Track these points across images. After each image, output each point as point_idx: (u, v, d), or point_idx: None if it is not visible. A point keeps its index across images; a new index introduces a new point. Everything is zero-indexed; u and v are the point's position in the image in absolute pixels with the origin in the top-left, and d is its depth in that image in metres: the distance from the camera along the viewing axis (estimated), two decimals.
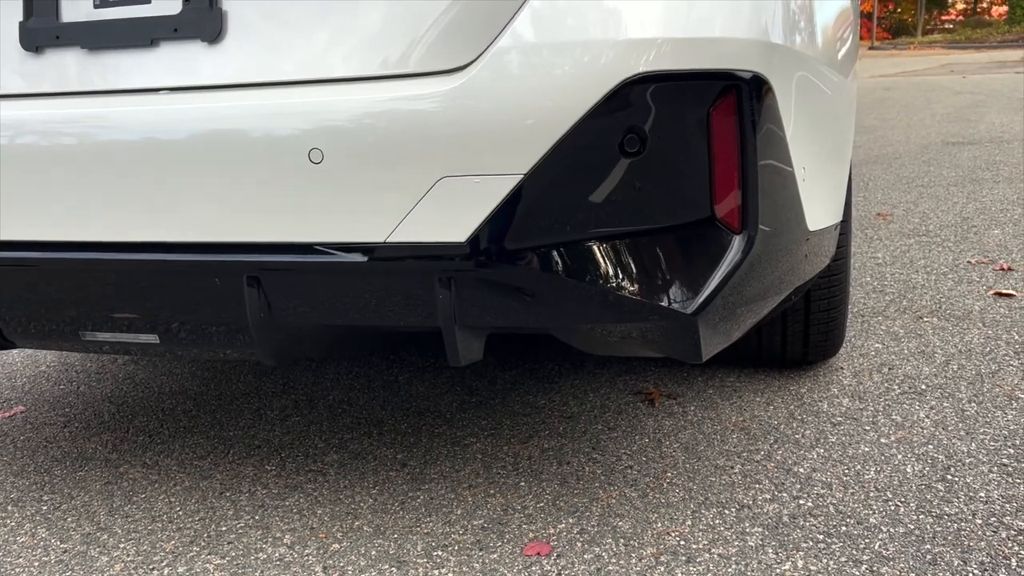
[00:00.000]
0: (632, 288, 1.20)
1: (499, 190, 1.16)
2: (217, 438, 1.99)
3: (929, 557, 1.38)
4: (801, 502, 1.57)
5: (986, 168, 5.00)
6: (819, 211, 1.47)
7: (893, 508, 1.53)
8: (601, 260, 1.20)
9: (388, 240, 1.21)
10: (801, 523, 1.50)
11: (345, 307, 1.30)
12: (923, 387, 2.04)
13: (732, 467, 1.71)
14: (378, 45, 1.22)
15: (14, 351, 2.67)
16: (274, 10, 1.28)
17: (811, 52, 1.39)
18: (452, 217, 1.18)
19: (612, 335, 1.30)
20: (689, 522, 1.53)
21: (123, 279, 1.35)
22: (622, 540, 1.48)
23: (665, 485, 1.66)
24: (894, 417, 1.89)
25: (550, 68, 1.14)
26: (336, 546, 1.52)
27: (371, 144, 1.18)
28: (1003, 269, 2.96)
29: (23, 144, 1.36)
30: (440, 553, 1.48)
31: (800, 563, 1.39)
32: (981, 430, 1.81)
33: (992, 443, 1.75)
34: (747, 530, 1.49)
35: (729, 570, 1.38)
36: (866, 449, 1.76)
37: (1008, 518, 1.48)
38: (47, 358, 2.61)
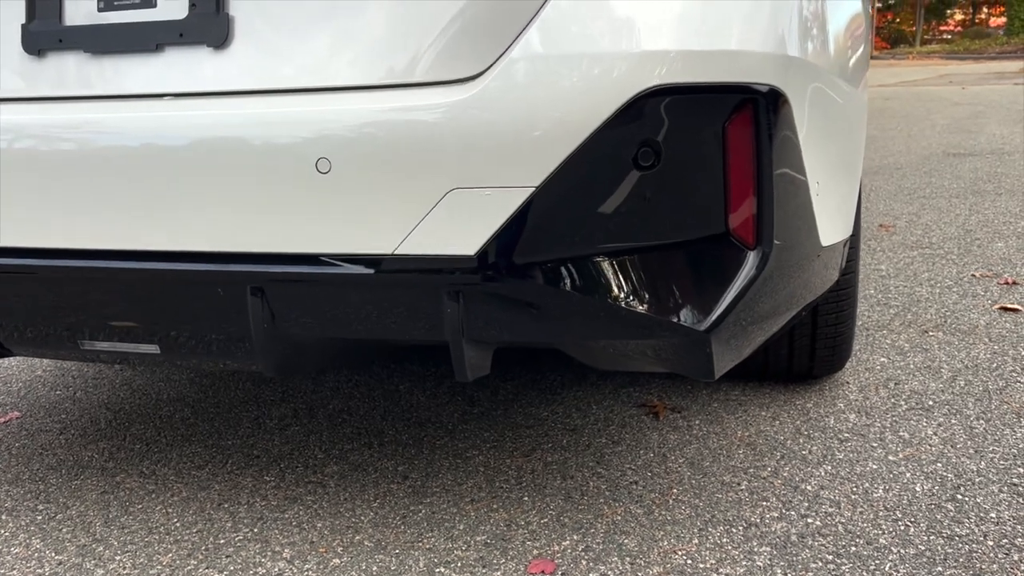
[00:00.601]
0: (644, 304, 1.17)
1: (510, 203, 1.14)
2: (215, 447, 1.96)
3: None
4: (809, 521, 1.55)
5: (988, 180, 4.99)
6: (831, 225, 1.45)
7: (903, 528, 1.51)
8: (613, 275, 1.17)
9: (396, 252, 1.18)
10: (810, 543, 1.48)
11: (351, 320, 1.27)
12: (930, 403, 2.02)
13: (739, 484, 1.69)
14: (388, 54, 1.20)
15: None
16: (282, 16, 1.25)
17: (826, 64, 1.37)
18: (461, 230, 1.16)
19: (622, 351, 1.28)
20: (696, 540, 1.50)
21: (124, 288, 1.33)
22: (628, 558, 1.46)
23: (671, 502, 1.63)
24: (901, 434, 1.87)
25: (563, 80, 1.11)
26: (336, 561, 1.49)
27: (380, 154, 1.16)
28: (1008, 283, 2.94)
29: (23, 148, 1.34)
30: (442, 570, 1.45)
31: None
32: (990, 448, 1.79)
33: (1002, 462, 1.73)
34: (755, 549, 1.47)
35: None
36: (874, 466, 1.73)
37: (1020, 540, 1.46)
38: (43, 363, 2.57)
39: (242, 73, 1.26)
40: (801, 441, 1.86)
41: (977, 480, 1.66)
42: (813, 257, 1.38)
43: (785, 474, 1.72)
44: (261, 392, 2.27)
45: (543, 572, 1.43)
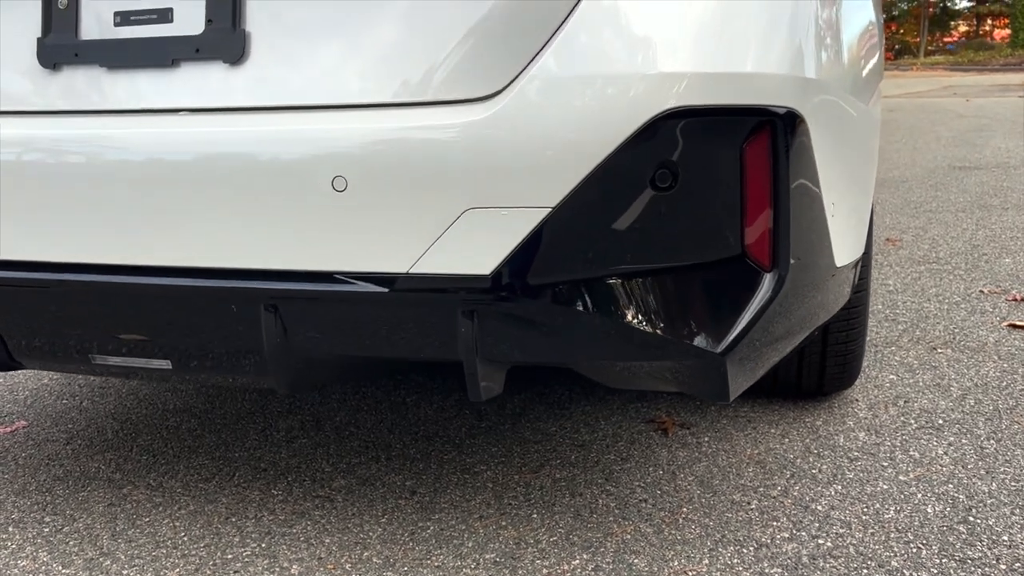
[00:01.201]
0: (660, 326, 1.17)
1: (526, 223, 1.13)
2: (222, 459, 1.95)
3: None
4: (820, 542, 1.54)
5: (994, 194, 4.99)
6: (845, 245, 1.45)
7: (915, 551, 1.50)
8: (629, 297, 1.17)
9: (411, 271, 1.18)
10: (821, 564, 1.47)
11: (364, 337, 1.27)
12: (940, 422, 2.01)
13: (749, 503, 1.68)
14: (405, 72, 1.20)
15: None
16: (298, 32, 1.25)
17: (842, 84, 1.36)
18: (477, 249, 1.16)
19: (635, 371, 1.27)
20: (706, 561, 1.49)
21: (137, 303, 1.32)
22: None
23: (681, 520, 1.62)
24: (912, 453, 1.86)
25: (581, 100, 1.11)
26: None
27: (397, 173, 1.15)
28: (1016, 300, 2.93)
29: (37, 162, 1.34)
30: None
31: None
32: (1001, 469, 1.78)
33: (1013, 483, 1.72)
34: (766, 571, 1.46)
35: None
36: (885, 487, 1.72)
37: None
38: (50, 372, 2.57)
39: (258, 89, 1.26)
40: (811, 460, 1.85)
41: (989, 502, 1.65)
42: (828, 278, 1.38)
43: (795, 493, 1.71)
44: (268, 404, 2.26)
45: None
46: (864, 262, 1.83)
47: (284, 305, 1.25)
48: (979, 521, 1.58)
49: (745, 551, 1.52)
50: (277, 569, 1.52)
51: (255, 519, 1.69)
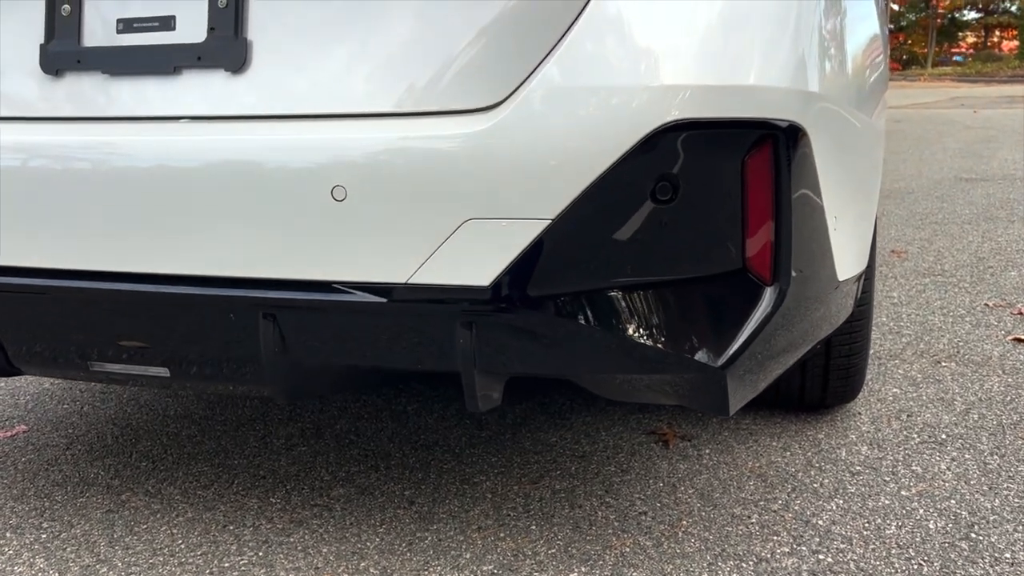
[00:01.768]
0: (660, 339, 1.16)
1: (526, 234, 1.13)
2: (221, 466, 1.95)
3: None
4: (821, 557, 1.53)
5: (1000, 206, 4.97)
6: (848, 259, 1.44)
7: (916, 567, 1.49)
8: (628, 309, 1.16)
9: (410, 281, 1.17)
10: None
11: (363, 347, 1.26)
12: (943, 436, 1.99)
13: (749, 517, 1.67)
14: (407, 81, 1.20)
15: None
16: (300, 41, 1.25)
17: (845, 96, 1.36)
18: (476, 260, 1.15)
19: (635, 384, 1.26)
20: (706, 575, 1.48)
21: (135, 310, 1.32)
22: None
23: (680, 534, 1.61)
24: (914, 468, 1.85)
25: (583, 112, 1.11)
26: None
27: (397, 183, 1.15)
28: (1021, 313, 2.92)
29: (38, 168, 1.34)
30: None
31: None
32: (1004, 485, 1.76)
33: (1016, 500, 1.70)
34: None
35: None
36: (886, 502, 1.71)
37: None
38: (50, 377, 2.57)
39: (259, 98, 1.26)
40: (812, 473, 1.84)
41: (991, 518, 1.64)
42: (830, 292, 1.37)
43: (796, 507, 1.70)
44: (268, 410, 2.26)
45: None
46: (868, 275, 1.82)
47: (282, 314, 1.24)
48: (981, 538, 1.57)
49: (745, 566, 1.50)
50: None
51: (253, 527, 1.68)
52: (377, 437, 2.07)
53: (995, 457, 1.89)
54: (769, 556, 1.53)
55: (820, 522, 1.64)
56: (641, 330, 1.17)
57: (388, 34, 1.21)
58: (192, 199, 1.25)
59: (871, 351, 2.56)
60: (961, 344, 2.63)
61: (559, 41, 1.13)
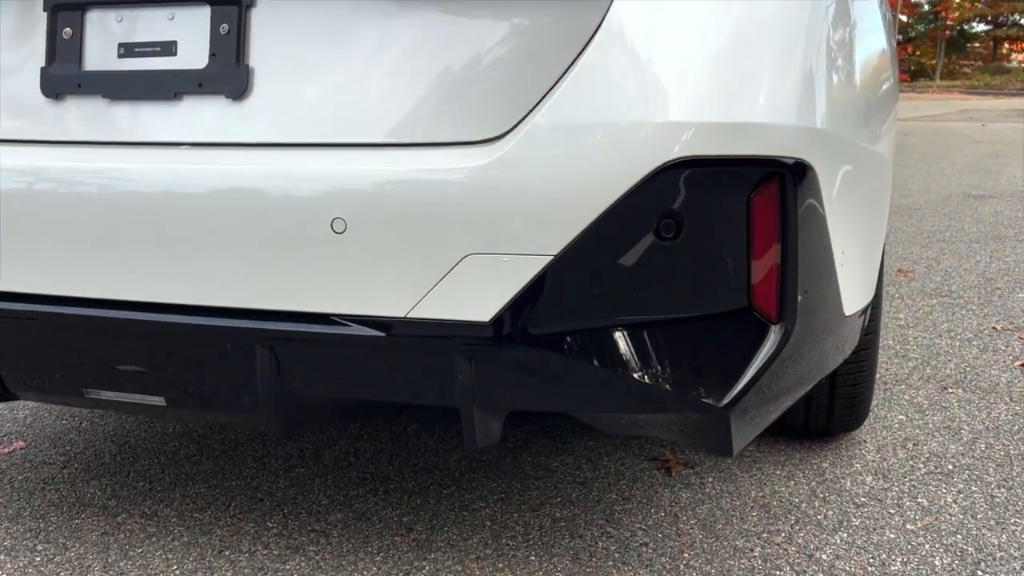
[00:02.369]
0: (662, 378, 1.14)
1: (527, 270, 1.11)
2: (219, 488, 1.93)
3: None
4: None
5: (1009, 224, 4.94)
6: (855, 293, 1.42)
7: None
8: (630, 347, 1.14)
9: (409, 315, 1.16)
10: None
11: (360, 380, 1.24)
12: (950, 467, 1.97)
13: (752, 549, 1.64)
14: (410, 111, 1.18)
15: None
16: (302, 69, 1.24)
17: (853, 131, 1.34)
18: (477, 295, 1.13)
19: (636, 421, 1.24)
20: None
21: (131, 339, 1.31)
22: None
23: (682, 567, 1.59)
24: (920, 500, 1.82)
25: (586, 147, 1.09)
26: None
27: (398, 215, 1.13)
28: None
29: (35, 192, 1.32)
30: None
31: None
32: (1012, 520, 1.74)
33: None
34: None
35: None
36: (891, 536, 1.69)
37: None
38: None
39: (260, 126, 1.25)
40: (816, 504, 1.81)
41: (998, 555, 1.61)
42: (836, 328, 1.35)
43: (800, 540, 1.68)
44: (267, 430, 2.24)
45: None
46: (875, 303, 1.80)
47: (279, 345, 1.23)
48: None
49: None
50: None
51: (249, 553, 1.66)
52: (376, 459, 2.05)
53: (1002, 490, 1.86)
54: None
55: (824, 556, 1.62)
56: (643, 368, 1.15)
57: (391, 64, 1.20)
58: (190, 227, 1.24)
59: (877, 375, 2.54)
60: (968, 369, 2.60)
61: (563, 75, 1.11)
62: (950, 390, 2.44)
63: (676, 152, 1.07)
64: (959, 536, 1.68)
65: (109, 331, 1.30)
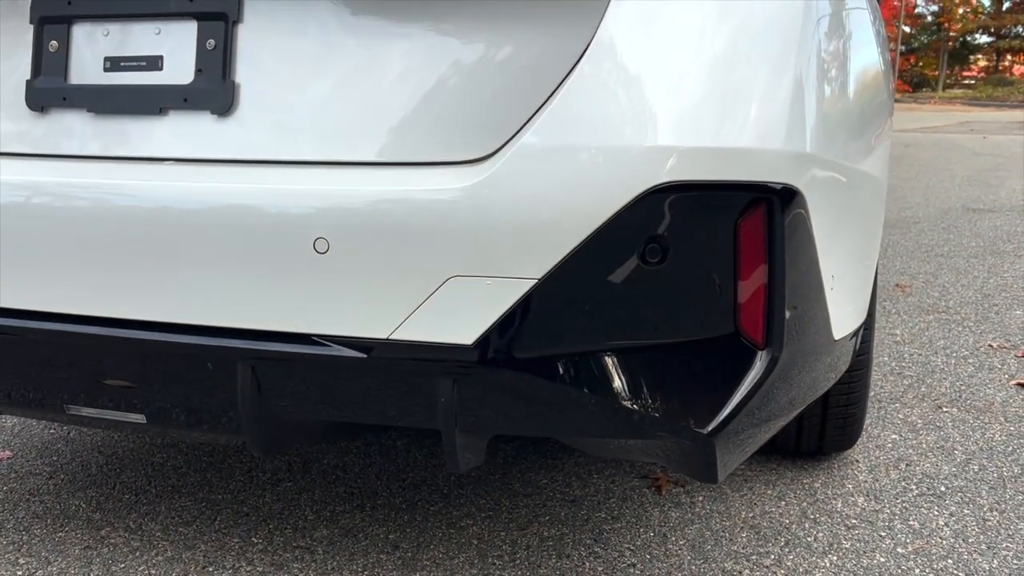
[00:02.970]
0: (647, 404, 1.13)
1: (511, 294, 1.10)
2: (205, 501, 1.91)
3: None
4: None
5: (1007, 239, 4.92)
6: (845, 317, 1.40)
7: None
8: (615, 373, 1.13)
9: (391, 337, 1.14)
10: None
11: (341, 402, 1.23)
12: (942, 489, 1.95)
13: (740, 572, 1.63)
14: (395, 130, 1.17)
15: None
16: (288, 86, 1.23)
17: (843, 155, 1.32)
18: (460, 318, 1.12)
19: (621, 445, 1.23)
20: None
21: (111, 356, 1.29)
22: None
23: None
24: (911, 523, 1.80)
25: (572, 170, 1.08)
26: None
27: (382, 237, 1.12)
28: None
29: (16, 205, 1.31)
30: None
31: None
32: (1003, 544, 1.72)
33: (1015, 561, 1.66)
34: None
35: None
36: (882, 559, 1.67)
37: None
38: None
39: (244, 142, 1.24)
40: (807, 526, 1.79)
41: None
42: (826, 352, 1.33)
43: (789, 563, 1.66)
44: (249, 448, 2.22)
45: None
46: (868, 324, 1.78)
47: (260, 365, 1.21)
48: None
49: None
50: None
51: (232, 570, 1.65)
52: (364, 474, 2.04)
53: (994, 513, 1.84)
54: None
55: None
56: (628, 394, 1.13)
57: (377, 82, 1.19)
58: (172, 243, 1.22)
59: (871, 393, 2.52)
60: (963, 388, 2.59)
61: (550, 97, 1.10)
62: (945, 409, 2.42)
63: (662, 177, 1.06)
64: (950, 560, 1.66)
65: (89, 348, 1.29)
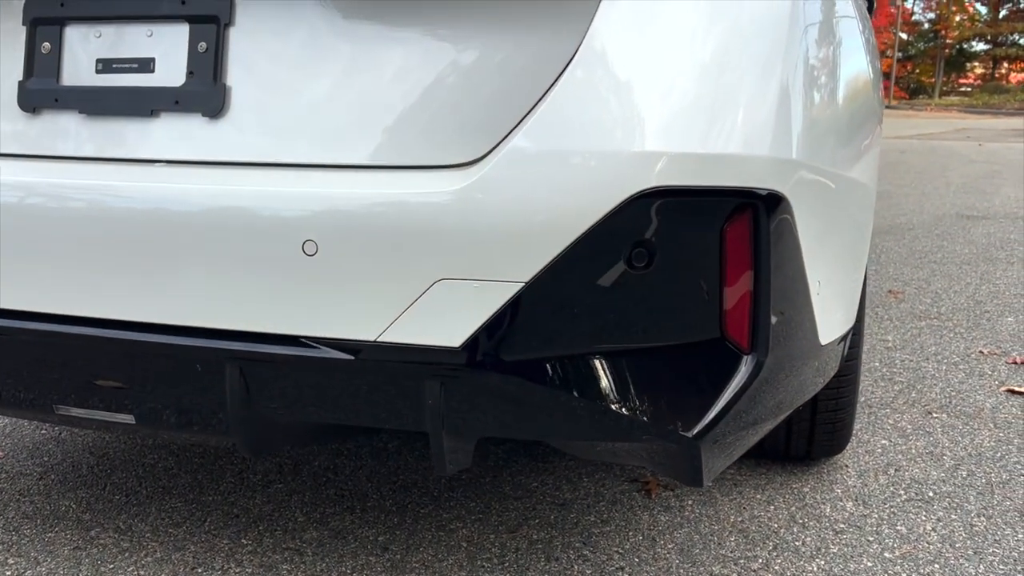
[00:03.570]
0: (632, 407, 1.13)
1: (498, 297, 1.10)
2: (195, 503, 1.91)
3: None
4: None
5: (1000, 247, 4.94)
6: (832, 322, 1.41)
7: None
8: (601, 376, 1.14)
9: (379, 339, 1.15)
10: None
11: (328, 404, 1.24)
12: (930, 494, 1.96)
13: None
14: (385, 133, 1.18)
15: None
16: (279, 89, 1.23)
17: (830, 161, 1.33)
18: (447, 321, 1.13)
19: (608, 448, 1.23)
20: None
21: (100, 357, 1.30)
22: None
23: None
24: (899, 528, 1.81)
25: (559, 175, 1.08)
26: None
27: (371, 240, 1.13)
28: (1016, 363, 2.88)
29: (7, 206, 1.31)
30: None
31: None
32: (990, 550, 1.73)
33: (1002, 566, 1.67)
34: None
35: None
36: (869, 564, 1.68)
37: None
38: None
39: (235, 144, 1.24)
40: (795, 530, 1.80)
41: None
42: (812, 357, 1.34)
43: (776, 567, 1.67)
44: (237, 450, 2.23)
45: None
46: (856, 329, 1.79)
47: (248, 366, 1.22)
48: None
49: None
50: None
51: (221, 571, 1.65)
52: (355, 476, 2.04)
53: (982, 519, 1.85)
54: None
55: None
56: (614, 397, 1.14)
57: (367, 86, 1.20)
58: (162, 244, 1.23)
59: (861, 398, 2.53)
60: (954, 394, 2.60)
61: (539, 101, 1.11)
62: (934, 415, 2.43)
63: (649, 182, 1.07)
64: (936, 566, 1.67)
65: (79, 348, 1.29)
